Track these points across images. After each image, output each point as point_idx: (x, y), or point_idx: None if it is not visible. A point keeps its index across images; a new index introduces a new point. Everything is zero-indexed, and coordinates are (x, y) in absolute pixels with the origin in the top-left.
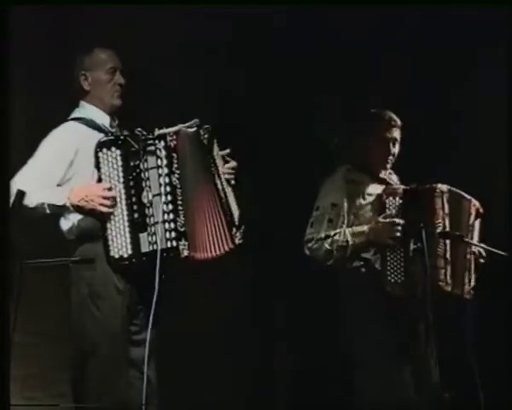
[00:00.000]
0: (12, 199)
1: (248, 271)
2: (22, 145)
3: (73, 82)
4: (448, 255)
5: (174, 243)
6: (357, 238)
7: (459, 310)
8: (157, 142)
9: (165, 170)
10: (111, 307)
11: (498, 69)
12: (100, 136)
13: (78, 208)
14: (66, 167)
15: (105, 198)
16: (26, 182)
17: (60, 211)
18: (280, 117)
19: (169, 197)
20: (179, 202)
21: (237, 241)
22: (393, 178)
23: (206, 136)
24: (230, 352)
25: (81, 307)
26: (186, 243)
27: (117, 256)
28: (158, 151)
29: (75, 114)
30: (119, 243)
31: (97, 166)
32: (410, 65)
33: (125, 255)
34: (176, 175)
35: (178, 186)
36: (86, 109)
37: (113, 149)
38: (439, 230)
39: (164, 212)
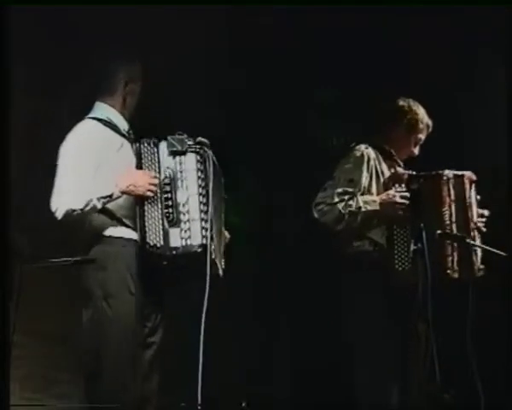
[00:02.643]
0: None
1: (251, 268)
2: (22, 145)
3: (108, 85)
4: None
5: (207, 242)
6: (368, 206)
7: (460, 309)
8: (198, 147)
9: (204, 174)
10: (124, 308)
11: (499, 68)
12: (120, 138)
13: (125, 194)
14: (95, 167)
15: (151, 184)
16: (69, 193)
17: (110, 201)
18: (280, 118)
19: (205, 199)
20: (210, 207)
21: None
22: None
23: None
24: (232, 349)
25: (95, 309)
26: (214, 246)
27: (152, 243)
28: (199, 156)
29: (96, 114)
30: (154, 231)
31: (139, 155)
32: (412, 62)
33: (158, 245)
34: (210, 183)
35: (211, 193)
36: (108, 112)
37: (152, 144)
38: (445, 216)
39: (201, 210)
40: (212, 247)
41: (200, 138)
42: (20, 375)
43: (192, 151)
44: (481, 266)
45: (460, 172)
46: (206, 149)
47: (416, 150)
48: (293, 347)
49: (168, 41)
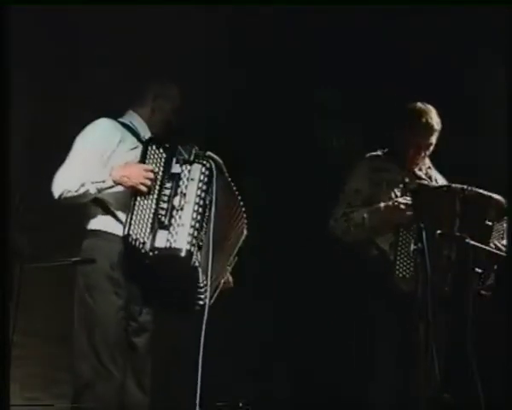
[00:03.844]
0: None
1: (251, 268)
2: (22, 145)
3: (140, 97)
4: (453, 257)
5: (192, 249)
6: (372, 215)
7: (460, 310)
8: (205, 160)
9: (206, 187)
10: (105, 299)
11: (499, 68)
12: (137, 142)
13: (118, 184)
14: (103, 158)
15: (146, 178)
16: (68, 176)
17: (103, 188)
18: (280, 118)
19: (200, 209)
20: (205, 219)
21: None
22: (433, 174)
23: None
24: (232, 350)
25: (79, 299)
26: (200, 256)
27: (135, 237)
28: (204, 168)
29: (123, 119)
30: (140, 227)
31: (144, 154)
32: (412, 63)
33: (142, 240)
34: (212, 196)
35: (208, 206)
36: (133, 118)
37: (161, 149)
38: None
39: (193, 218)
40: (197, 257)
41: (210, 153)
42: (20, 375)
43: (199, 163)
44: (483, 292)
45: (487, 194)
46: (212, 162)
47: (428, 153)
48: (294, 347)
49: (168, 41)
